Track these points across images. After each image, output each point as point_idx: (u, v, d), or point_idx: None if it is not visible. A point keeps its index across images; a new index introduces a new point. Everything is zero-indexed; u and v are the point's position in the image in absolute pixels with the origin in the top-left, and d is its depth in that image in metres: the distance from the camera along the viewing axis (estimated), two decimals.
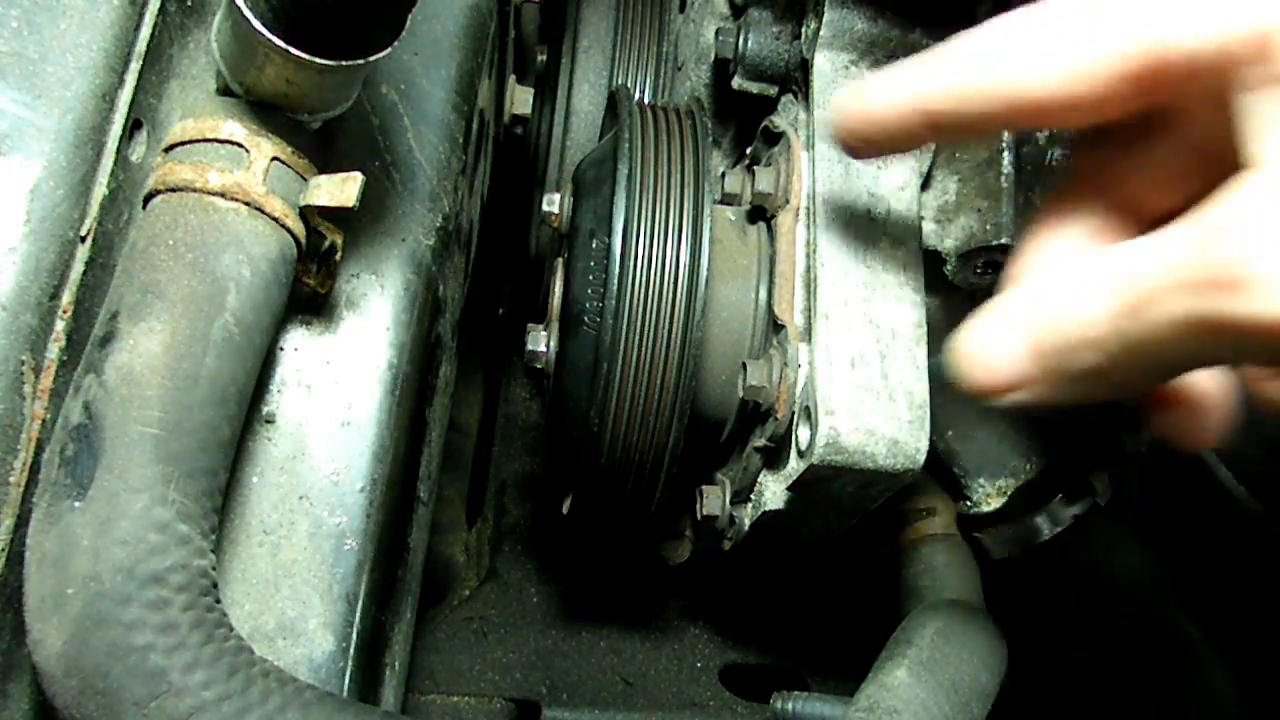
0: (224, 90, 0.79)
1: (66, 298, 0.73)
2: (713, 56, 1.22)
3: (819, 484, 0.92)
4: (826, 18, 1.01)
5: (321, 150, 0.85)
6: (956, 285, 0.99)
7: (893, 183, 0.97)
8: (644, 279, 0.91)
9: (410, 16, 0.76)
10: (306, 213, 0.80)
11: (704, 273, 0.92)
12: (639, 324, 0.91)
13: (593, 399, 0.93)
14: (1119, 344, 0.60)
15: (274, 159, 0.78)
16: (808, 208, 0.97)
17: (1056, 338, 0.62)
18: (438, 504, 1.41)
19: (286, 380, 0.86)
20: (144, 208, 0.77)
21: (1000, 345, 0.64)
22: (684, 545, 1.21)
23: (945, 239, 0.98)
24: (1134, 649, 1.26)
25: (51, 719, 0.68)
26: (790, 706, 1.08)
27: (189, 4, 0.83)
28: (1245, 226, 0.54)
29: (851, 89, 0.76)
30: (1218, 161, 0.62)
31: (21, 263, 0.71)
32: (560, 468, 1.11)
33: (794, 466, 0.93)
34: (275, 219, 0.77)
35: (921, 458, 0.89)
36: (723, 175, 0.99)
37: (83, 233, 0.74)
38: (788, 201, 0.99)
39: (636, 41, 1.38)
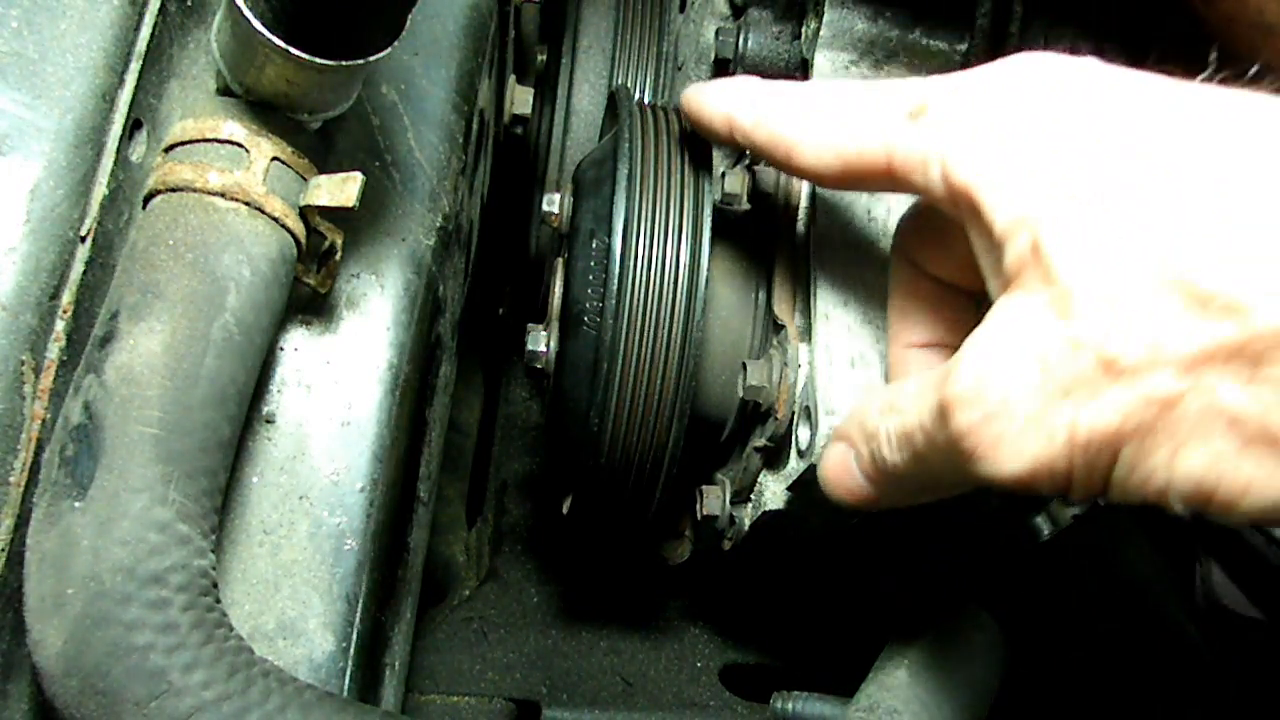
0: (224, 90, 0.79)
1: (66, 298, 0.73)
2: (713, 56, 1.22)
3: (819, 484, 0.92)
4: (826, 18, 1.02)
5: (321, 150, 0.85)
6: None
7: None
8: (644, 279, 0.91)
9: (410, 16, 0.76)
10: (306, 213, 0.80)
11: (704, 273, 0.92)
12: (639, 324, 0.91)
13: (593, 399, 0.93)
14: (915, 477, 0.72)
15: (274, 159, 0.78)
16: (808, 208, 0.97)
17: (875, 469, 0.75)
18: (438, 504, 1.41)
19: (286, 380, 0.86)
20: (144, 208, 0.77)
21: (844, 476, 0.79)
22: (684, 545, 1.21)
23: None
24: (1134, 649, 1.26)
25: (51, 719, 0.68)
26: (790, 706, 1.08)
27: (189, 4, 0.83)
28: (973, 397, 0.62)
29: (698, 85, 0.87)
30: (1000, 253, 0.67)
31: (21, 263, 0.71)
32: (560, 468, 1.11)
33: (794, 466, 0.93)
34: (275, 219, 0.77)
35: None
36: (723, 175, 0.99)
37: (83, 233, 0.74)
38: (788, 201, 0.99)
39: (636, 41, 1.38)
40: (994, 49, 1.04)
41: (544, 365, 1.02)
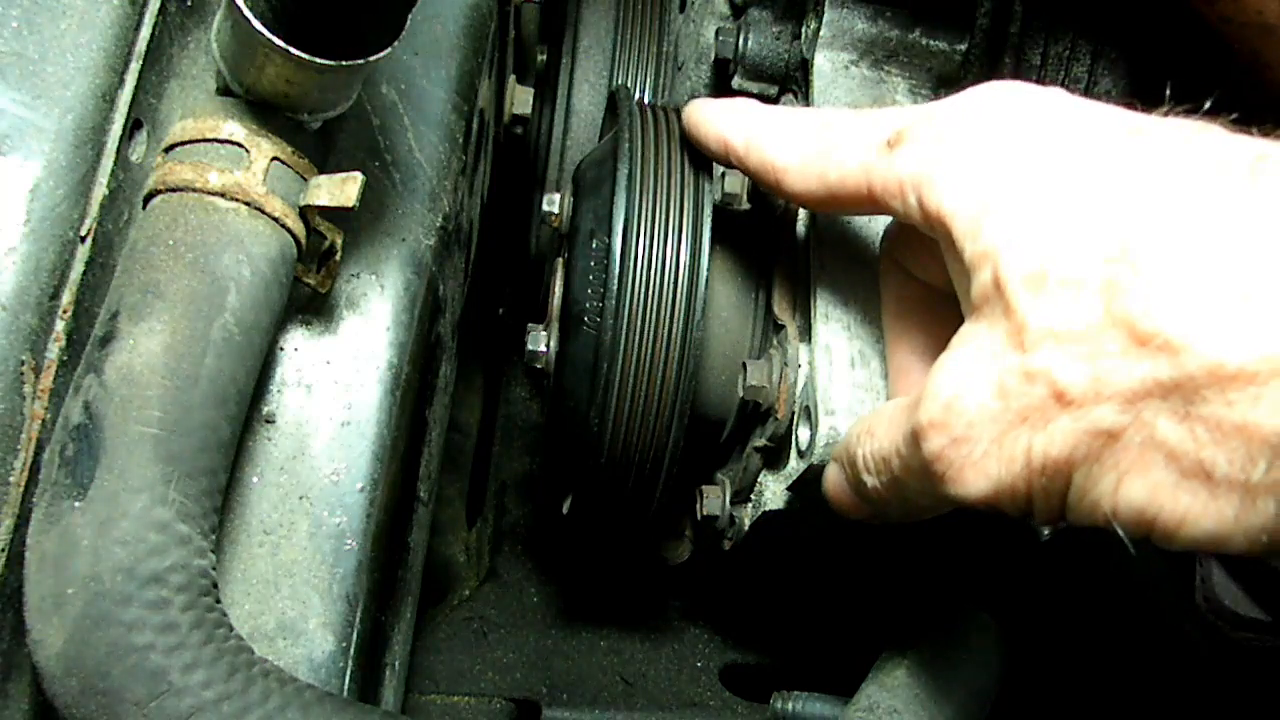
0: (224, 90, 0.79)
1: (66, 298, 0.73)
2: (713, 56, 1.22)
3: (819, 484, 0.92)
4: (826, 18, 1.02)
5: (321, 150, 0.85)
6: None
7: None
8: (644, 279, 0.91)
9: (410, 16, 0.76)
10: (306, 213, 0.80)
11: (704, 273, 0.92)
12: (639, 324, 0.91)
13: (593, 399, 0.93)
14: (895, 499, 0.76)
15: (274, 159, 0.78)
16: None
17: (866, 489, 0.79)
18: (438, 504, 1.41)
19: (286, 380, 0.86)
20: (144, 208, 0.77)
21: (843, 495, 0.83)
22: (684, 545, 1.21)
23: None
24: (1134, 649, 1.26)
25: (51, 719, 0.68)
26: (790, 706, 1.08)
27: (189, 4, 0.83)
28: (941, 423, 0.66)
29: (697, 102, 0.92)
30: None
31: (21, 263, 0.71)
32: (560, 468, 1.11)
33: (794, 466, 0.93)
34: (275, 219, 0.77)
35: None
36: (723, 175, 0.99)
37: (83, 233, 0.74)
38: (788, 202, 0.99)
39: (636, 41, 1.38)
40: (994, 49, 1.04)
41: (544, 365, 1.02)
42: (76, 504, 0.66)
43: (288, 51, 0.72)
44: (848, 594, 1.41)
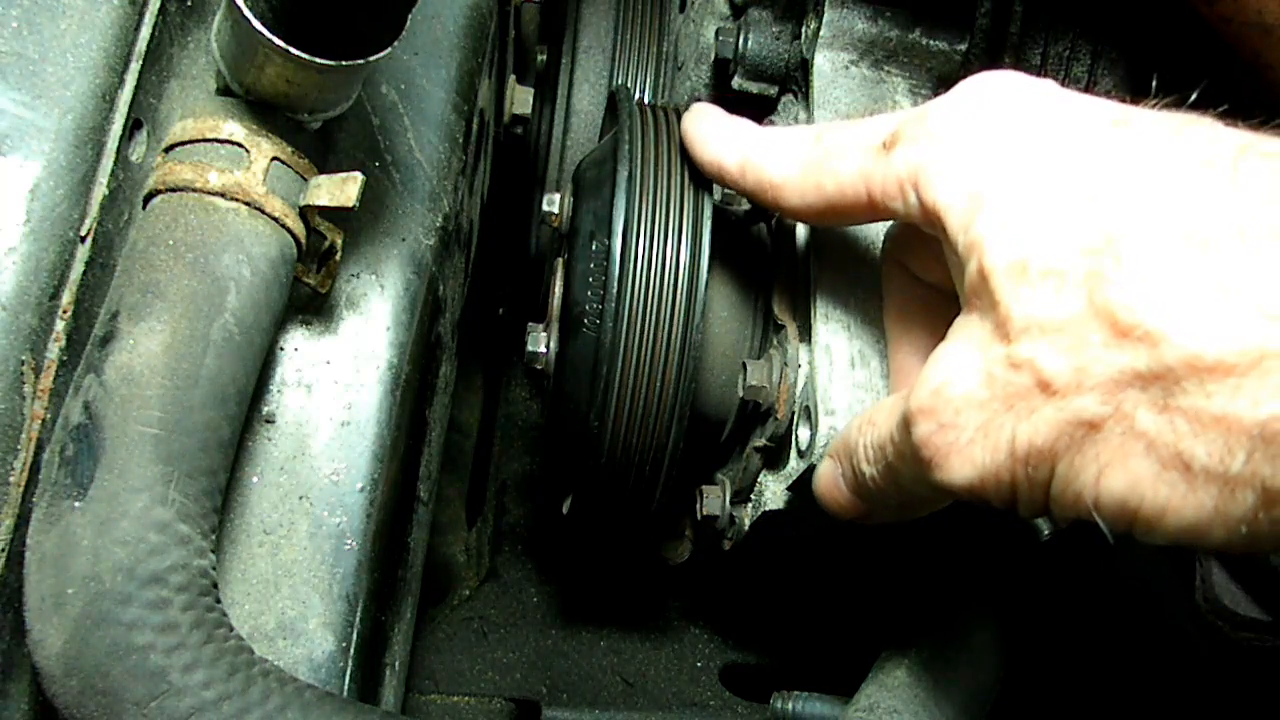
0: (224, 90, 0.79)
1: (66, 298, 0.73)
2: (713, 56, 1.22)
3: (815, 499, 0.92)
4: (826, 18, 1.02)
5: (321, 150, 0.85)
6: None
7: None
8: (644, 281, 0.91)
9: (410, 16, 0.76)
10: (306, 213, 0.80)
11: (704, 274, 0.92)
12: (639, 325, 0.91)
13: (592, 400, 0.93)
14: (890, 490, 0.76)
15: (274, 159, 0.78)
16: None
17: (856, 484, 0.80)
18: (438, 504, 1.41)
19: (286, 380, 0.86)
20: (144, 208, 0.77)
21: (834, 492, 0.83)
22: (684, 545, 1.21)
23: None
24: (1134, 649, 1.26)
25: (51, 719, 0.68)
26: (790, 706, 1.08)
27: (189, 4, 0.83)
28: (929, 409, 0.67)
29: (693, 115, 0.92)
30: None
31: (21, 263, 0.71)
32: (560, 468, 1.11)
33: (794, 466, 0.92)
34: (275, 219, 0.77)
35: None
36: None
37: (83, 233, 0.74)
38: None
39: (636, 41, 1.38)
40: (994, 49, 1.04)
41: (544, 366, 1.02)
42: (76, 504, 0.66)
43: (288, 51, 0.72)
44: (848, 594, 1.41)
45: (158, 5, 0.79)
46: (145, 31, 0.78)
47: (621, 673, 1.36)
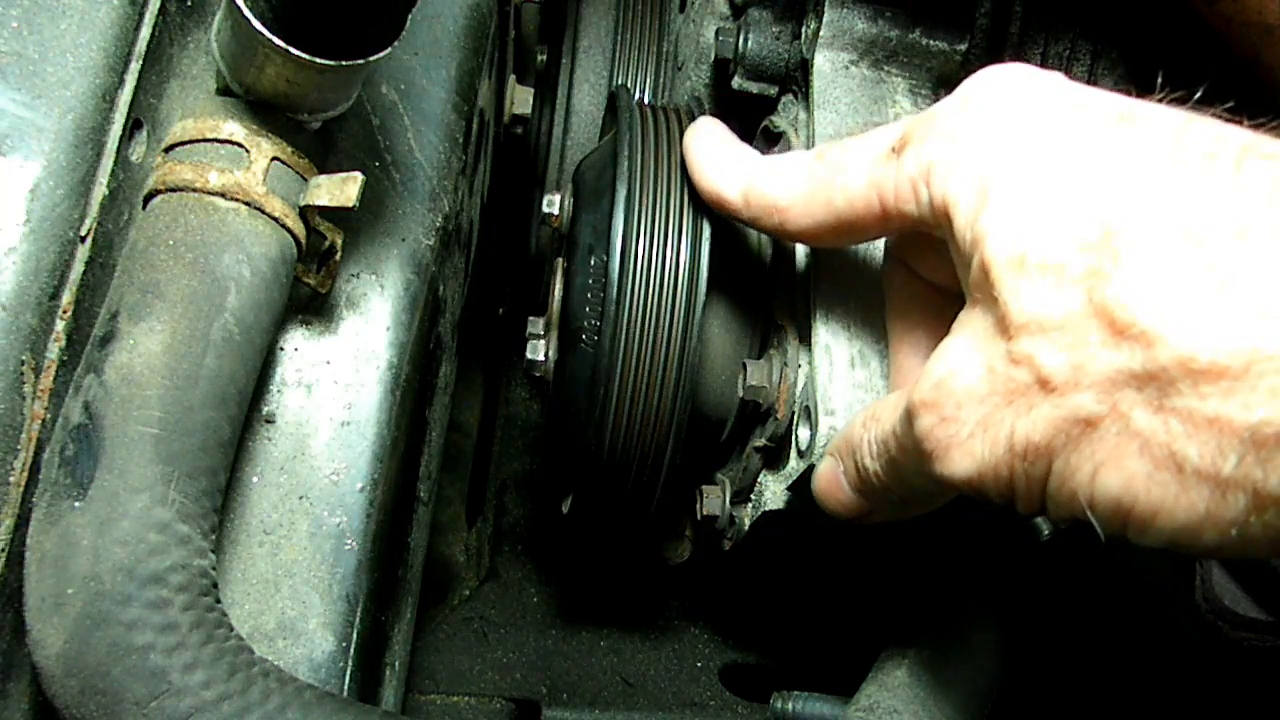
0: (224, 90, 0.79)
1: (66, 298, 0.73)
2: (713, 56, 1.22)
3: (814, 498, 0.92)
4: (826, 18, 1.01)
5: (321, 150, 0.85)
6: None
7: None
8: (642, 295, 0.91)
9: (410, 16, 0.76)
10: (306, 213, 0.80)
11: (703, 279, 0.92)
12: (637, 340, 0.91)
13: (592, 409, 0.93)
14: (893, 485, 0.77)
15: (274, 159, 0.78)
16: None
17: (859, 480, 0.80)
18: (438, 504, 1.41)
19: (286, 380, 0.86)
20: (144, 208, 0.77)
21: (834, 490, 0.83)
22: (684, 545, 1.21)
23: None
24: (1134, 648, 1.26)
25: (51, 719, 0.68)
26: (790, 706, 1.08)
27: (189, 4, 0.83)
28: (931, 402, 0.67)
29: (693, 136, 0.91)
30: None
31: (21, 263, 0.71)
32: (560, 468, 1.11)
33: (794, 466, 0.92)
34: (275, 219, 0.77)
35: None
36: None
37: (83, 233, 0.74)
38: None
39: (636, 41, 1.38)
40: (994, 49, 1.04)
41: (543, 373, 1.03)
42: (76, 504, 0.66)
43: (288, 51, 0.72)
44: (848, 594, 1.41)
45: (158, 5, 0.79)
46: (145, 31, 0.78)
47: (621, 673, 1.36)
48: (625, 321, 0.91)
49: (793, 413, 0.93)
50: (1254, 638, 0.95)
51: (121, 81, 0.77)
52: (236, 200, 0.76)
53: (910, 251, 0.83)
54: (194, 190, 0.75)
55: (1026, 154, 0.66)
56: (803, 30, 1.07)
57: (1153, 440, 0.58)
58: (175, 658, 0.65)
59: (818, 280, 0.93)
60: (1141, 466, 0.59)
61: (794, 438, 0.92)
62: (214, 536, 0.71)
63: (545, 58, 1.49)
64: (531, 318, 1.05)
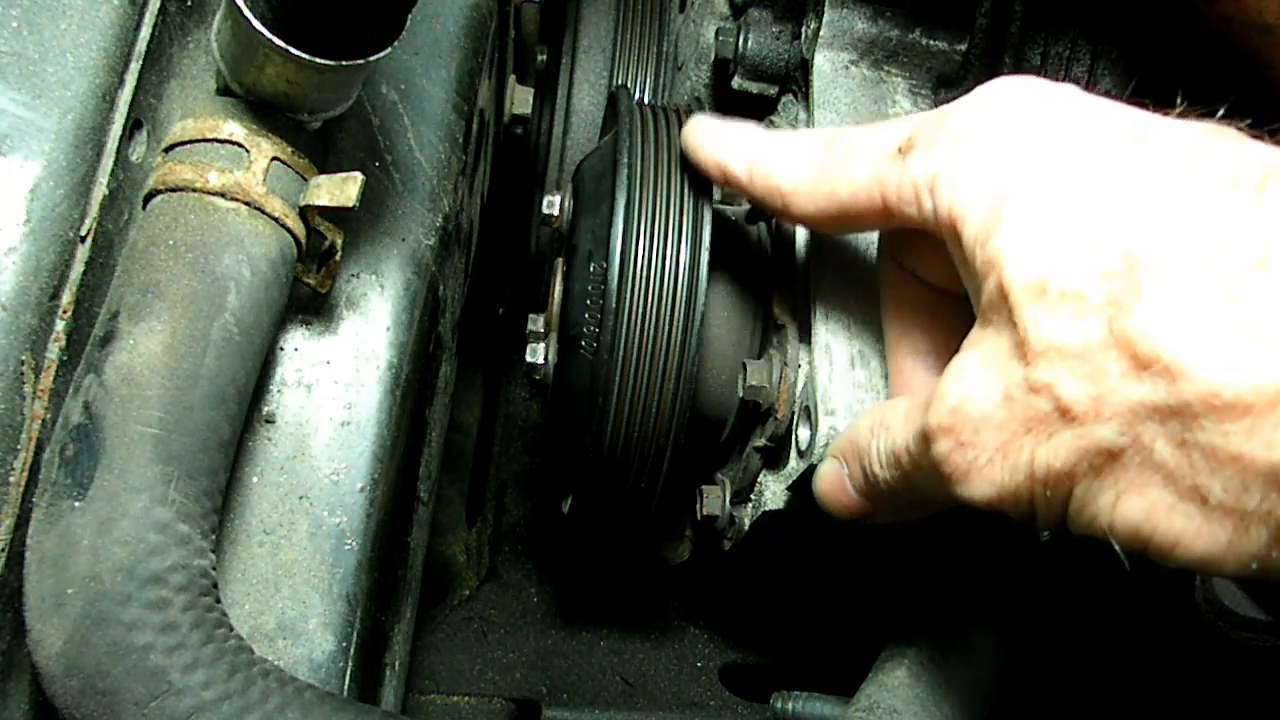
0: (224, 90, 0.79)
1: (66, 298, 0.73)
2: (713, 56, 1.22)
3: (815, 499, 0.92)
4: (826, 18, 1.01)
5: (321, 150, 0.85)
6: None
7: None
8: (642, 302, 0.91)
9: (410, 16, 0.76)
10: (306, 213, 0.80)
11: (703, 282, 0.91)
12: (636, 347, 0.91)
13: (591, 413, 0.93)
14: (904, 493, 0.77)
15: (274, 159, 0.78)
16: None
17: (866, 485, 0.79)
18: (438, 504, 1.41)
19: (286, 380, 0.86)
20: (144, 208, 0.77)
21: (838, 492, 0.83)
22: (684, 545, 1.21)
23: None
24: (1134, 648, 1.26)
25: (51, 719, 0.68)
26: (790, 706, 1.08)
27: (189, 4, 0.83)
28: (949, 427, 0.66)
29: (693, 123, 0.90)
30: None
31: (21, 263, 0.71)
32: (560, 469, 1.11)
33: (794, 466, 0.92)
34: (275, 219, 0.77)
35: None
36: None
37: (83, 233, 0.74)
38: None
39: (636, 41, 1.38)
40: (994, 49, 1.04)
41: (543, 376, 1.03)
42: (76, 504, 0.66)
43: (288, 51, 0.72)
44: (848, 594, 1.41)
45: (158, 5, 0.79)
46: (145, 31, 0.78)
47: (621, 673, 1.36)
48: (624, 329, 0.91)
49: (793, 413, 0.93)
50: (1254, 638, 0.95)
51: (121, 81, 0.77)
52: (236, 200, 0.76)
53: (905, 250, 0.82)
54: (194, 190, 0.75)
55: (1042, 173, 0.65)
56: (803, 30, 1.07)
57: (1176, 474, 0.58)
58: (175, 658, 0.65)
59: (818, 279, 0.93)
60: (1163, 497, 0.59)
61: (794, 438, 0.92)
62: (214, 536, 0.71)
63: (545, 58, 1.49)
64: (532, 315, 1.05)
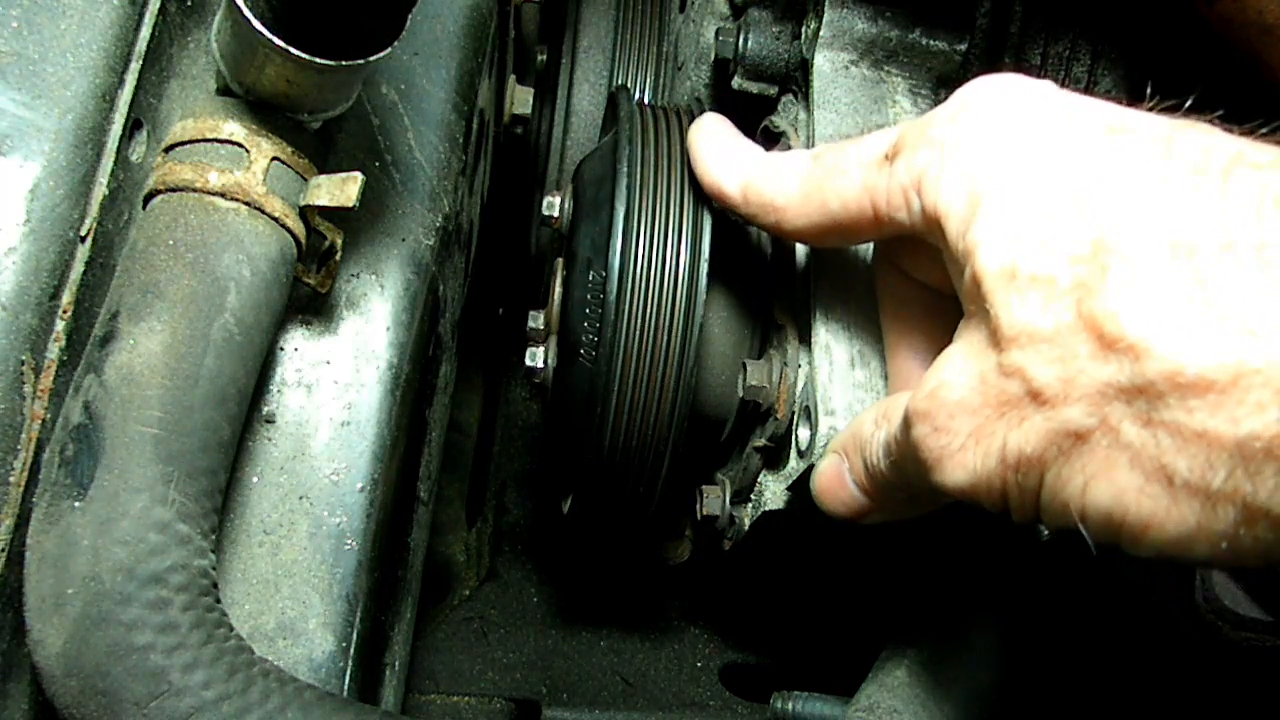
0: (224, 90, 0.79)
1: (66, 298, 0.73)
2: (713, 56, 1.22)
3: (812, 497, 0.92)
4: (826, 18, 1.01)
5: (321, 150, 0.85)
6: None
7: None
8: (642, 300, 0.91)
9: (410, 16, 0.76)
10: (306, 213, 0.80)
11: (703, 280, 0.91)
12: (635, 354, 0.91)
13: (590, 415, 0.93)
14: (899, 485, 0.77)
15: (274, 159, 0.78)
16: None
17: (866, 478, 0.80)
18: (438, 504, 1.41)
19: (286, 380, 0.86)
20: (144, 208, 0.77)
21: (837, 488, 0.83)
22: (684, 545, 1.21)
23: None
24: (1134, 649, 1.26)
25: (51, 719, 0.68)
26: (790, 706, 1.08)
27: (189, 4, 0.83)
28: (926, 412, 0.67)
29: (697, 132, 0.91)
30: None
31: (21, 263, 0.71)
32: (560, 469, 1.11)
33: (794, 466, 0.92)
34: (275, 219, 0.77)
35: None
36: None
37: (83, 233, 0.74)
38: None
39: (636, 41, 1.38)
40: (994, 49, 1.04)
41: (543, 380, 1.03)
42: (76, 504, 0.66)
43: (288, 51, 0.72)
44: (848, 594, 1.41)
45: (158, 5, 0.79)
46: (145, 31, 0.78)
47: (621, 673, 1.37)
48: (623, 339, 0.91)
49: (793, 413, 0.93)
50: (1254, 638, 0.95)
51: (121, 81, 0.77)
52: (236, 200, 0.76)
53: (900, 253, 0.83)
54: (194, 190, 0.75)
55: (1017, 165, 0.66)
56: (803, 30, 1.07)
57: (1142, 453, 0.58)
58: (175, 658, 0.65)
59: (818, 280, 0.93)
60: (1132, 480, 0.59)
61: (794, 438, 0.92)
62: (214, 536, 0.71)
63: (545, 58, 1.49)
64: (532, 312, 1.05)
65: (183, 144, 0.77)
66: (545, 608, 1.41)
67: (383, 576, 0.90)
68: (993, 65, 1.05)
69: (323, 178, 0.80)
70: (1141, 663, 1.26)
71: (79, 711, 0.65)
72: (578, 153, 1.37)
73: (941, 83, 1.05)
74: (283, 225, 0.77)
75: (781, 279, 0.98)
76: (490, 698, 1.30)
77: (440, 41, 1.00)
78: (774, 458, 0.98)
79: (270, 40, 0.72)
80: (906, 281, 0.83)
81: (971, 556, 1.24)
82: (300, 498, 0.84)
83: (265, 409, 0.85)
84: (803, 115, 1.04)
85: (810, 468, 0.89)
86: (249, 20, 0.71)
